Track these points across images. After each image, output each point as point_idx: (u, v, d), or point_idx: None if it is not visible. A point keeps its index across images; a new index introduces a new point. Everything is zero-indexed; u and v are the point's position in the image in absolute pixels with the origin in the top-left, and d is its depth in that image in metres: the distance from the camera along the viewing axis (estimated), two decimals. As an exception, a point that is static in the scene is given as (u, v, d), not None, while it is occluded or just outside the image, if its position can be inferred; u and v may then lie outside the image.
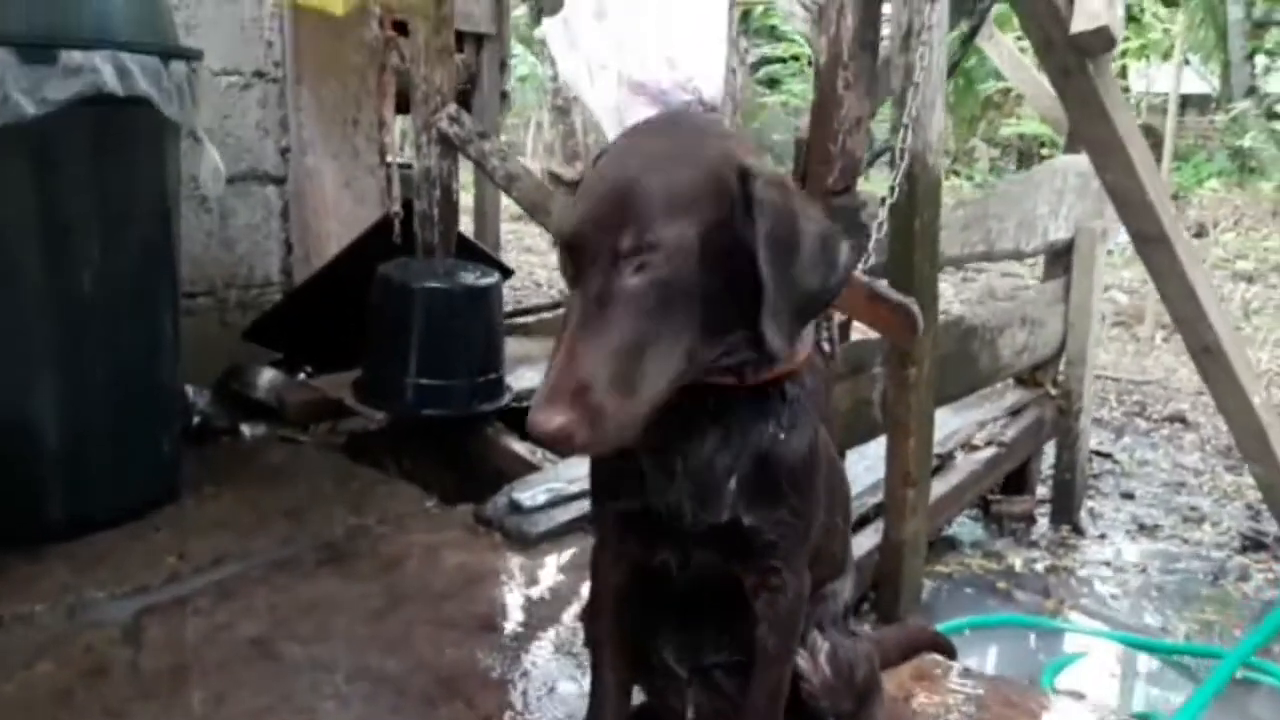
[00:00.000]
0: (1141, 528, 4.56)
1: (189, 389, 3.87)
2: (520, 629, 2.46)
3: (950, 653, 2.41)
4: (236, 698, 2.17)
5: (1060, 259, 4.35)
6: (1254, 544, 4.37)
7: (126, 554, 2.78)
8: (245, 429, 3.84)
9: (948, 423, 3.93)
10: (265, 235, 4.36)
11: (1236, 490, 5.02)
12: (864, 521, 3.23)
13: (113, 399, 2.96)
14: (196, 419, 3.81)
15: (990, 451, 3.93)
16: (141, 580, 2.65)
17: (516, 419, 3.65)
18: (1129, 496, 4.92)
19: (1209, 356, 3.71)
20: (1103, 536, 4.43)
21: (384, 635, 2.41)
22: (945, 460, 3.74)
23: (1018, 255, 4.11)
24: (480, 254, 4.14)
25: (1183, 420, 6.07)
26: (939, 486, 3.53)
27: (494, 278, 3.54)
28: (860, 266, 2.44)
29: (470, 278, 3.52)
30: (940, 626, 3.05)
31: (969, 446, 3.89)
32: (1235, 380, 3.72)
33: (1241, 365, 3.75)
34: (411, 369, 3.42)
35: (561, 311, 5.14)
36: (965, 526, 4.30)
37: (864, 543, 3.11)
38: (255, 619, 2.48)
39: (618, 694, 1.69)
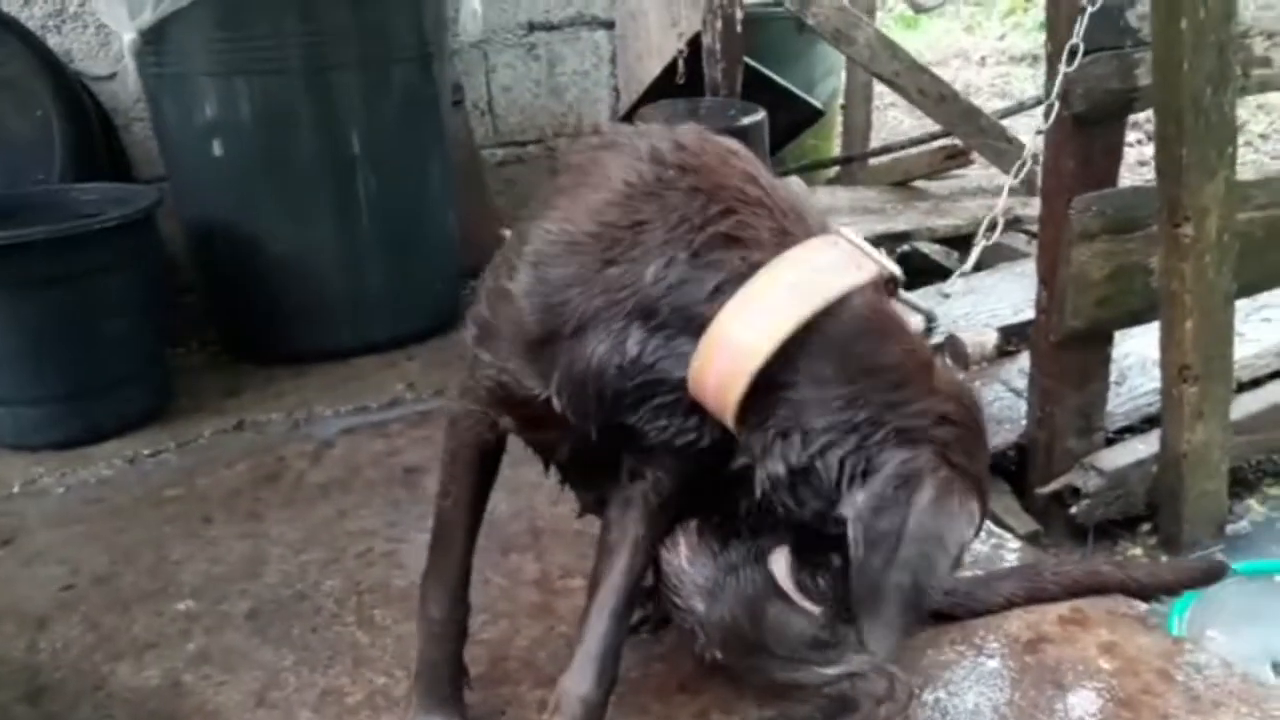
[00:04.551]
0: None
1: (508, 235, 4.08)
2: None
3: (1143, 597, 1.85)
4: (355, 517, 2.29)
5: None
6: None
7: (371, 378, 3.04)
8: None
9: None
10: (595, 82, 4.37)
11: None
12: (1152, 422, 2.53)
13: (381, 243, 3.20)
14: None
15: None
16: (364, 402, 2.88)
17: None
18: None
19: None
20: None
21: (516, 479, 2.37)
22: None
23: None
24: (781, 92, 3.78)
25: None
26: (1291, 384, 2.65)
27: (757, 116, 3.21)
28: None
29: (729, 116, 3.23)
30: (1241, 566, 2.34)
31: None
32: None
33: None
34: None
35: (891, 158, 4.61)
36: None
37: (1140, 449, 2.44)
38: (423, 448, 2.58)
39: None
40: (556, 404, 1.32)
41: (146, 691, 1.79)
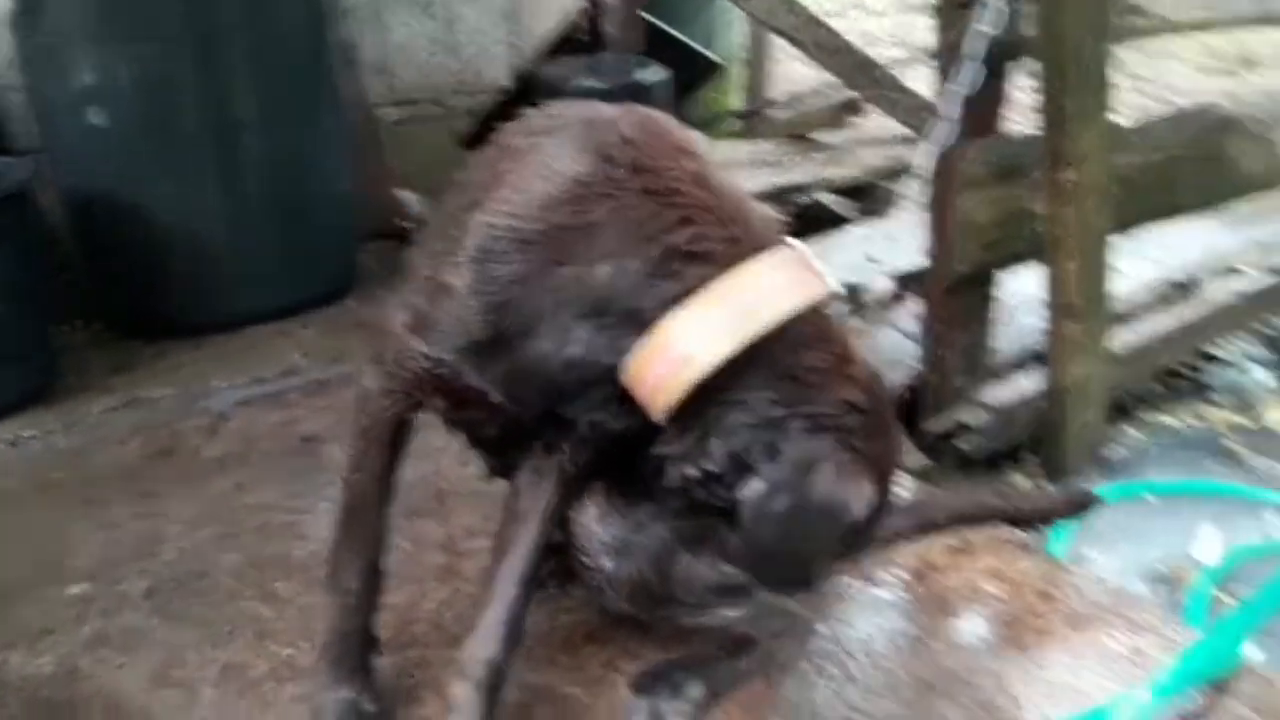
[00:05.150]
0: None
1: (408, 195, 4.01)
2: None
3: (1022, 525, 1.95)
4: (253, 490, 2.25)
5: None
6: None
7: (265, 349, 2.97)
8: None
9: (1212, 240, 3.04)
10: (493, 40, 4.29)
11: None
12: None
13: (271, 208, 3.10)
14: (409, 225, 3.95)
15: (1269, 280, 2.98)
16: (260, 373, 2.81)
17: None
18: None
19: None
20: None
21: (421, 444, 2.36)
22: (1187, 287, 2.93)
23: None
24: (681, 47, 3.77)
25: None
26: (1168, 319, 2.78)
27: (661, 75, 3.20)
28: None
29: (632, 74, 3.22)
30: (1107, 488, 2.44)
31: (1230, 270, 2.99)
32: None
33: None
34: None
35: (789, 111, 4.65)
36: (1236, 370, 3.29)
37: (1025, 385, 2.54)
38: (321, 417, 2.54)
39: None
40: (494, 395, 1.32)
41: (41, 679, 1.74)
